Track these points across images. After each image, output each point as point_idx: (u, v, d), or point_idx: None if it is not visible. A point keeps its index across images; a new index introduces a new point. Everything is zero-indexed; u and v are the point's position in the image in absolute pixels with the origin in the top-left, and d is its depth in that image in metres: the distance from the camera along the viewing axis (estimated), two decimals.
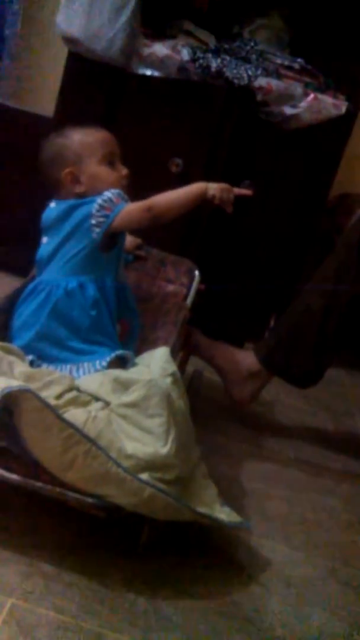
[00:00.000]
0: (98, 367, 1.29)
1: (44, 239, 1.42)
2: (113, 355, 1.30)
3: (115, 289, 1.39)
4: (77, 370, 1.30)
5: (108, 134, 1.45)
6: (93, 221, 1.33)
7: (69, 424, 1.05)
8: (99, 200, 1.34)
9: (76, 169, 1.40)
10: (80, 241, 1.35)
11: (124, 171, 1.43)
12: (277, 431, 1.79)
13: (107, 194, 1.35)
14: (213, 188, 1.39)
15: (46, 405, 1.03)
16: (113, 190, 1.35)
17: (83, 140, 1.41)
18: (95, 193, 1.37)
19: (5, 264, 2.14)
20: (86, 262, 1.35)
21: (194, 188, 1.39)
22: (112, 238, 1.37)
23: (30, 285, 1.39)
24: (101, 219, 1.33)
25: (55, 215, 1.39)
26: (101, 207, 1.33)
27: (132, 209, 1.35)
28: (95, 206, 1.33)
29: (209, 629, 1.09)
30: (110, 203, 1.34)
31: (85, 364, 1.30)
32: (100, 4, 1.84)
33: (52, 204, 1.42)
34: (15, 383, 1.04)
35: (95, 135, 1.43)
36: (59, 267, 1.36)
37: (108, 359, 1.29)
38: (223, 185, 1.41)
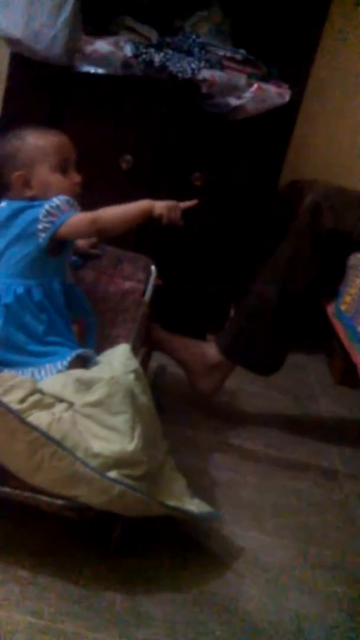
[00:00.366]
0: (60, 367, 1.29)
1: None
2: (74, 354, 1.30)
3: (64, 291, 1.38)
4: (39, 372, 1.29)
5: (64, 139, 1.42)
6: (39, 226, 1.32)
7: (33, 427, 1.04)
8: (46, 206, 1.32)
9: (27, 172, 1.38)
10: (27, 244, 1.34)
11: (77, 178, 1.42)
12: (243, 420, 1.81)
13: (55, 200, 1.33)
14: (160, 207, 1.36)
15: (9, 410, 1.03)
16: (62, 197, 1.34)
17: (37, 145, 1.39)
18: (45, 198, 1.36)
19: None
20: (33, 265, 1.34)
21: (140, 206, 1.37)
22: (59, 243, 1.36)
23: None
24: (47, 225, 1.32)
25: (5, 215, 1.37)
26: (48, 212, 1.32)
27: (77, 219, 1.33)
28: (42, 211, 1.32)
29: (188, 621, 1.10)
30: (57, 210, 1.32)
31: (47, 366, 1.29)
32: (40, 3, 1.82)
33: (3, 204, 1.40)
34: None
35: (50, 139, 1.41)
36: (6, 268, 1.35)
37: (69, 358, 1.29)
38: (169, 203, 1.38)
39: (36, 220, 1.32)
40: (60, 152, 1.40)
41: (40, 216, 1.32)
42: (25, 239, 1.34)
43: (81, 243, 1.58)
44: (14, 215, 1.36)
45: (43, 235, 1.32)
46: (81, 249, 1.58)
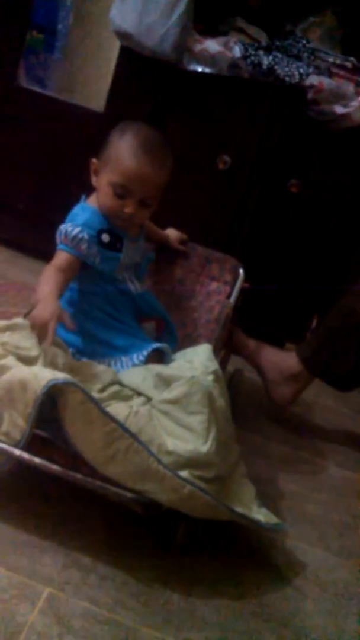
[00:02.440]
0: (136, 361, 1.30)
1: None
2: (150, 349, 1.30)
3: (130, 298, 1.39)
4: (115, 364, 1.30)
5: (147, 173, 1.31)
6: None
7: (112, 419, 1.05)
8: (65, 226, 1.33)
9: (100, 166, 1.36)
10: None
11: (128, 209, 1.33)
12: (317, 434, 1.78)
13: (67, 228, 1.32)
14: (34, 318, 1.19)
15: (90, 398, 1.04)
16: (75, 230, 1.31)
17: (120, 155, 1.32)
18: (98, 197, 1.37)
19: (49, 256, 2.16)
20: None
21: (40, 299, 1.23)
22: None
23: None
24: (57, 244, 1.34)
25: None
26: (60, 232, 1.33)
27: (58, 260, 1.31)
28: (62, 227, 1.33)
29: (242, 630, 1.09)
30: (60, 236, 1.32)
31: (124, 358, 1.31)
32: (155, 0, 1.84)
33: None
34: (60, 375, 1.05)
35: (134, 163, 1.31)
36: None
37: (145, 352, 1.30)
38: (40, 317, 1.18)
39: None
40: (128, 180, 1.31)
41: (58, 230, 1.33)
42: None
43: (172, 238, 1.59)
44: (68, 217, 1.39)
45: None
46: (170, 245, 1.59)
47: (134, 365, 1.29)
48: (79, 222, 1.33)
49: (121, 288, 1.39)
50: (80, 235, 1.31)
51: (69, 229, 1.31)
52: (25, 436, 1.06)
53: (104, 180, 1.35)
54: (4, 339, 1.15)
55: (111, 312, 1.37)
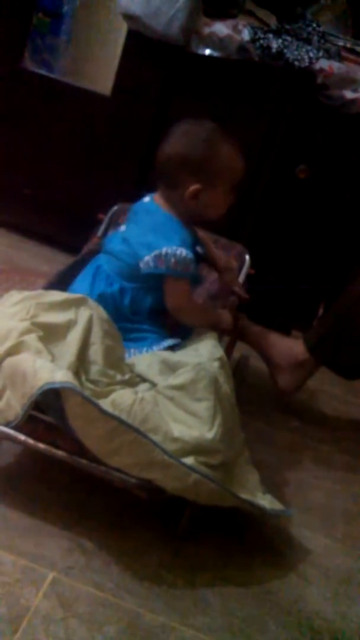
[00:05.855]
0: (145, 354, 1.29)
1: (123, 227, 1.40)
2: (161, 346, 1.29)
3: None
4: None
5: (244, 160, 1.34)
6: (146, 257, 1.27)
7: (113, 417, 1.04)
8: (170, 250, 1.27)
9: (204, 188, 1.30)
10: (133, 256, 1.31)
11: (232, 201, 1.35)
12: (322, 421, 1.77)
13: (175, 252, 1.26)
14: (227, 324, 1.42)
15: (89, 400, 1.02)
16: (184, 254, 1.27)
17: (228, 165, 1.31)
18: (200, 214, 1.34)
19: (53, 241, 2.16)
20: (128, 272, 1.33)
21: (218, 322, 1.40)
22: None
23: (91, 267, 1.38)
24: (151, 263, 1.27)
25: (140, 215, 1.36)
26: (167, 256, 1.26)
27: (179, 290, 1.30)
28: (155, 252, 1.27)
29: (246, 616, 1.09)
30: (169, 261, 1.26)
31: (132, 350, 1.29)
32: None
33: (147, 199, 1.37)
34: (59, 376, 1.03)
35: (241, 163, 1.33)
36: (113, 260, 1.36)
37: (155, 348, 1.29)
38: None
39: (149, 247, 1.28)
40: (239, 178, 1.33)
41: (154, 252, 1.27)
42: (135, 247, 1.31)
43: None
44: (144, 223, 1.33)
45: (142, 266, 1.29)
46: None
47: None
48: (177, 241, 1.28)
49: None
50: (188, 257, 1.28)
51: (177, 252, 1.26)
52: (17, 421, 1.06)
53: (218, 194, 1.32)
54: (32, 311, 1.16)
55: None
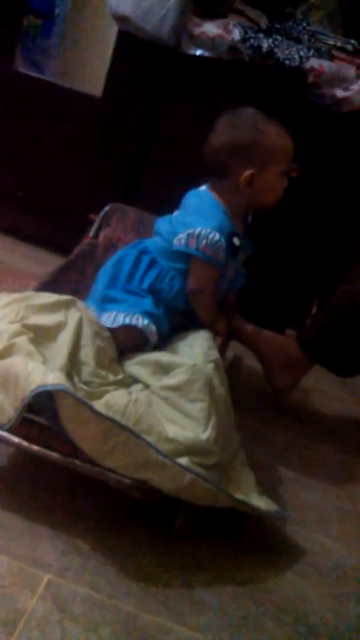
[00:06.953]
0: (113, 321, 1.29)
1: (176, 212, 1.41)
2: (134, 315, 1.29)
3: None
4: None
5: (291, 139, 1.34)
6: (180, 234, 1.30)
7: (106, 418, 1.04)
8: (203, 230, 1.27)
9: (257, 172, 1.30)
10: (172, 234, 1.33)
11: (287, 183, 1.35)
12: (317, 420, 1.77)
13: (208, 234, 1.27)
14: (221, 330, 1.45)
15: (81, 402, 1.03)
16: (217, 238, 1.27)
17: (279, 144, 1.31)
18: (254, 201, 1.33)
19: (46, 242, 2.15)
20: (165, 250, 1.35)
21: (212, 323, 1.41)
22: None
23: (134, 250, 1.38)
24: (182, 242, 1.29)
25: (190, 198, 1.37)
26: (198, 236, 1.27)
27: (205, 273, 1.31)
28: (189, 230, 1.28)
29: (242, 615, 1.09)
30: (199, 242, 1.27)
31: (106, 314, 1.30)
32: None
33: (202, 187, 1.37)
34: (51, 378, 1.03)
35: (289, 140, 1.32)
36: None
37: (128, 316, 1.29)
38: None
39: (185, 225, 1.29)
40: (290, 156, 1.33)
41: (188, 230, 1.28)
42: (175, 226, 1.33)
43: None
44: (196, 207, 1.34)
45: (175, 242, 1.31)
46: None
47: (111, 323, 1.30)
48: (214, 224, 1.28)
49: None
50: (220, 242, 1.27)
51: (210, 235, 1.26)
52: (10, 424, 1.06)
53: (272, 176, 1.32)
54: (22, 313, 1.16)
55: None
